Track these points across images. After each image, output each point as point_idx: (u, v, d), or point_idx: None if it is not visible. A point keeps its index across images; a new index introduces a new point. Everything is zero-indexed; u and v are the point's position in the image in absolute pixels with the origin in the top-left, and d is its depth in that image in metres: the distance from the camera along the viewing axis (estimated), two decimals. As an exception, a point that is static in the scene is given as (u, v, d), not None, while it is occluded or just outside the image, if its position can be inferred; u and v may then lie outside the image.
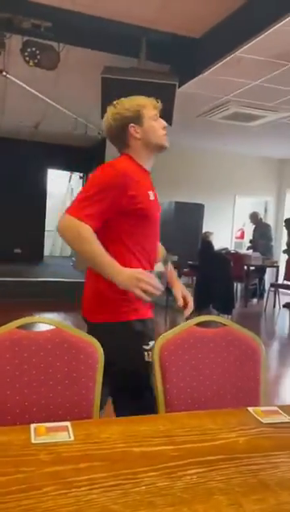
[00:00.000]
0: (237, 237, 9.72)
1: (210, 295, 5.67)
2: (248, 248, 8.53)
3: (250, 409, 1.30)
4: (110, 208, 1.56)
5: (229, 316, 6.09)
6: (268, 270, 8.24)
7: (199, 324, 1.61)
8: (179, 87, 4.38)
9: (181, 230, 6.51)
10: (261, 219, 8.49)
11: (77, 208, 1.53)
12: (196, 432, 1.14)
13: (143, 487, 0.88)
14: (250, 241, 8.50)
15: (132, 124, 1.67)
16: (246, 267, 7.29)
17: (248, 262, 7.29)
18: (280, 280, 7.66)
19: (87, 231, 1.50)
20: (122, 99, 1.72)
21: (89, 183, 1.61)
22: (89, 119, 6.71)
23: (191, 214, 6.68)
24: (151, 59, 4.33)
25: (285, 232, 8.11)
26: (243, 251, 8.15)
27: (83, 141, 8.50)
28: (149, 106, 1.70)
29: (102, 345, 1.43)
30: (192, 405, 1.50)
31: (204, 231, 7.34)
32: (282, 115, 5.69)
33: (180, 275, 7.50)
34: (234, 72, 4.28)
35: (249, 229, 9.08)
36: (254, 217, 8.34)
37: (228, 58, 3.88)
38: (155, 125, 1.70)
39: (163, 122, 1.73)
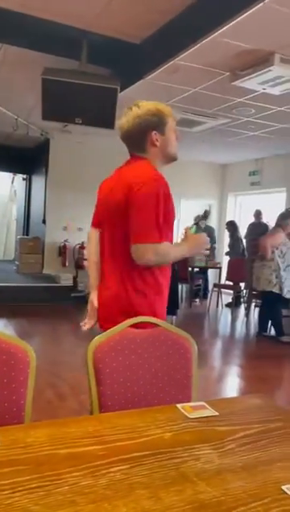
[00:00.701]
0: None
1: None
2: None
3: (179, 405, 1.35)
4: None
5: (175, 317, 6.21)
6: (211, 271, 8.50)
7: (133, 326, 1.64)
8: (121, 91, 4.43)
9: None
10: (203, 222, 8.73)
11: (152, 236, 1.61)
12: (124, 431, 1.16)
13: (66, 487, 0.90)
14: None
15: (155, 131, 1.69)
16: (190, 269, 7.47)
17: (192, 264, 7.47)
18: (223, 281, 7.92)
19: (164, 247, 1.65)
20: (145, 102, 1.71)
21: (146, 203, 1.60)
22: (31, 120, 6.60)
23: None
24: (92, 62, 4.34)
25: (227, 234, 8.41)
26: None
27: (25, 142, 8.33)
28: (172, 117, 1.73)
29: None
30: (125, 405, 1.53)
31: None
32: (221, 122, 5.90)
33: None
34: (174, 79, 4.40)
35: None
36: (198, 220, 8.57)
37: (167, 65, 3.98)
38: (174, 137, 1.74)
39: (179, 135, 1.79)
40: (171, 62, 3.91)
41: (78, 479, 0.93)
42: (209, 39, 3.42)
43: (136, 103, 1.71)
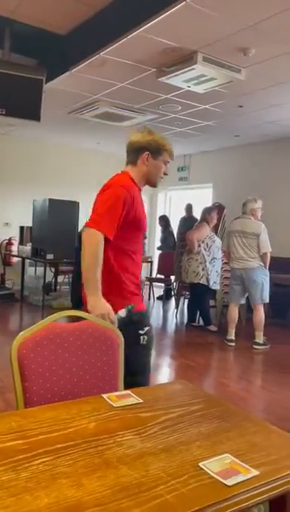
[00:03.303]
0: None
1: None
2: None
3: (105, 395, 1.37)
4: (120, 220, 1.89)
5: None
6: (143, 265, 8.61)
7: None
8: (47, 82, 4.33)
9: (56, 228, 6.43)
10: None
11: (96, 222, 1.86)
12: (48, 424, 1.17)
13: (-14, 484, 0.88)
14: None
15: (149, 153, 2.03)
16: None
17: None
18: (155, 274, 8.08)
19: (101, 242, 1.84)
20: (157, 134, 2.08)
21: (102, 199, 1.93)
22: None
23: (66, 212, 6.62)
24: (17, 52, 4.19)
25: (159, 228, 8.57)
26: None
27: None
28: (169, 153, 2.07)
29: None
30: (52, 399, 1.52)
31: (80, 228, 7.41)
32: (149, 117, 5.98)
33: (57, 274, 7.42)
34: (101, 72, 4.38)
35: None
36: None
37: (93, 58, 3.96)
38: (161, 168, 2.07)
39: (167, 171, 2.12)
40: (97, 56, 3.89)
41: (-1, 475, 0.92)
42: (133, 34, 3.45)
43: (150, 130, 2.08)
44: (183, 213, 8.21)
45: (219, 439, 1.13)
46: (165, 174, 2.11)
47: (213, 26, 3.34)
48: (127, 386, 1.59)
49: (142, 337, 1.94)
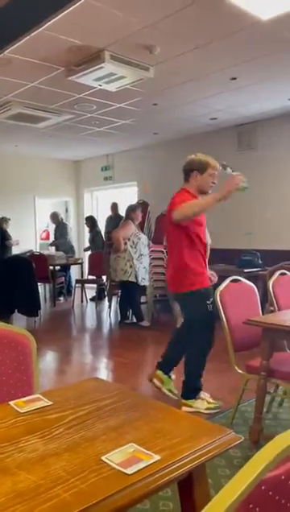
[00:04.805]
0: (42, 239, 9.70)
1: (13, 300, 5.54)
2: (50, 245, 8.62)
3: (12, 402, 1.32)
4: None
5: (36, 318, 6.07)
6: (74, 267, 8.51)
7: None
8: None
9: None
10: (62, 219, 8.67)
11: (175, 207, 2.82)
12: None
13: None
14: (53, 242, 8.60)
15: (197, 171, 2.88)
16: (52, 267, 7.36)
17: (52, 262, 7.38)
18: (86, 276, 8.01)
19: (191, 202, 2.82)
20: (200, 154, 2.93)
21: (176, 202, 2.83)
22: None
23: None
24: None
25: (87, 229, 8.49)
26: (51, 252, 8.19)
27: None
28: (212, 166, 2.87)
29: (183, 306, 3.08)
30: None
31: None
32: (65, 117, 5.90)
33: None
34: (8, 72, 4.25)
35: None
36: (55, 217, 8.47)
37: (-2, 57, 3.82)
38: (209, 180, 2.89)
39: (215, 180, 2.92)
40: (2, 55, 3.76)
41: None
42: (36, 32, 3.38)
43: (195, 153, 2.94)
44: (110, 213, 8.21)
45: (125, 431, 1.14)
46: (214, 183, 2.90)
47: (116, 24, 3.35)
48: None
49: (208, 306, 2.85)
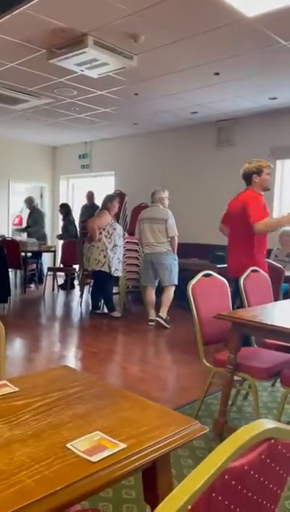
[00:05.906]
0: (15, 224, 9.52)
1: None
2: (23, 231, 8.48)
3: (-24, 389, 1.30)
4: None
5: (6, 305, 5.98)
6: (46, 255, 8.40)
7: None
8: None
9: None
10: (36, 204, 8.52)
11: (260, 218, 3.40)
12: None
13: None
14: (25, 228, 8.45)
15: (255, 175, 3.53)
16: (24, 254, 7.24)
17: (24, 249, 7.26)
18: (58, 264, 7.92)
19: (266, 220, 3.44)
20: (256, 160, 3.60)
21: (251, 207, 3.42)
22: None
23: None
24: None
25: (60, 217, 8.39)
26: (23, 238, 8.05)
27: None
28: (266, 168, 3.54)
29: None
30: None
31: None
32: (44, 101, 5.78)
33: None
34: (-13, 50, 4.12)
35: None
36: (29, 202, 8.33)
37: (-24, 33, 3.69)
38: (267, 179, 3.59)
39: (269, 178, 3.65)
40: (-19, 31, 3.64)
41: None
42: (18, 11, 3.28)
43: (250, 161, 3.60)
44: (85, 201, 8.13)
45: (92, 419, 1.14)
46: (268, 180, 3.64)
47: (101, 9, 3.30)
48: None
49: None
